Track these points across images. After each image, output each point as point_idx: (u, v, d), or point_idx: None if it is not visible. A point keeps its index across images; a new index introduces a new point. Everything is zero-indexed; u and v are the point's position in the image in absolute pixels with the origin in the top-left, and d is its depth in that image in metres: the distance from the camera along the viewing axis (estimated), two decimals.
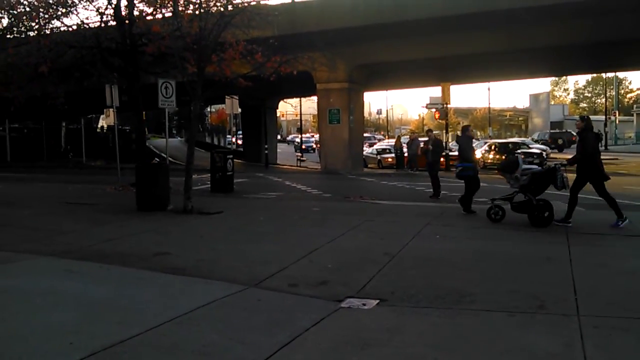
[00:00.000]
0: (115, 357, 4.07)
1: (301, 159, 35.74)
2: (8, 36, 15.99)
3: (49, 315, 4.93)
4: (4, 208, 12.42)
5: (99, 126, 49.94)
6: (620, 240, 8.68)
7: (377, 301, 5.52)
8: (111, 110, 20.69)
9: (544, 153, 30.41)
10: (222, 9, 12.26)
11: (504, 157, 27.34)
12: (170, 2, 14.48)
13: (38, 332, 4.53)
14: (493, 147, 31.12)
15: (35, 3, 15.45)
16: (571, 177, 9.83)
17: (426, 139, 17.98)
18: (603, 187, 9.61)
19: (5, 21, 16.28)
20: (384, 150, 33.26)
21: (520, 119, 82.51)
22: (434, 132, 21.60)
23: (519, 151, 29.11)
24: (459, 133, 14.76)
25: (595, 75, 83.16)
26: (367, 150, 34.74)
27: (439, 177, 15.15)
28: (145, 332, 4.51)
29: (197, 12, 12.48)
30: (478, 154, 26.60)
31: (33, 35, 15.84)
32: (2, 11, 15.86)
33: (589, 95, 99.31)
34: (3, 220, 10.51)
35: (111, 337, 4.36)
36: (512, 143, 33.52)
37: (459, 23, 22.31)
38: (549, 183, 9.83)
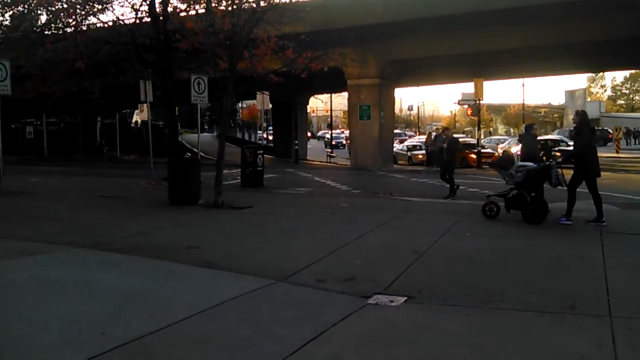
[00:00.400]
0: (146, 347, 4.15)
1: (331, 154, 35.73)
2: (46, 32, 16.35)
3: (82, 305, 5.05)
4: (40, 201, 12.76)
5: (133, 121, 50.77)
6: None
7: (405, 298, 5.49)
8: (145, 105, 21.04)
9: None
10: (254, 5, 12.33)
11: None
12: None
13: (71, 321, 4.64)
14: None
15: (72, 0, 15.77)
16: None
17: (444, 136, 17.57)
18: (594, 184, 9.57)
19: (43, 18, 16.67)
20: (414, 147, 33.03)
21: (555, 115, 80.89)
22: (466, 129, 21.34)
23: (556, 149, 28.47)
24: (522, 131, 14.61)
25: (633, 71, 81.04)
26: (397, 146, 34.51)
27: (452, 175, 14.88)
28: (176, 324, 4.59)
29: (229, 9, 12.58)
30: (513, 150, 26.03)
31: (70, 32, 16.16)
32: (41, 8, 16.23)
33: (627, 92, 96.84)
34: (39, 212, 10.81)
35: (142, 328, 4.45)
36: (551, 140, 32.60)
37: (492, 18, 21.99)
38: (544, 180, 9.91)
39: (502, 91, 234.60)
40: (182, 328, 4.54)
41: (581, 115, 9.97)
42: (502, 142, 37.43)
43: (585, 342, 4.39)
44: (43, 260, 6.80)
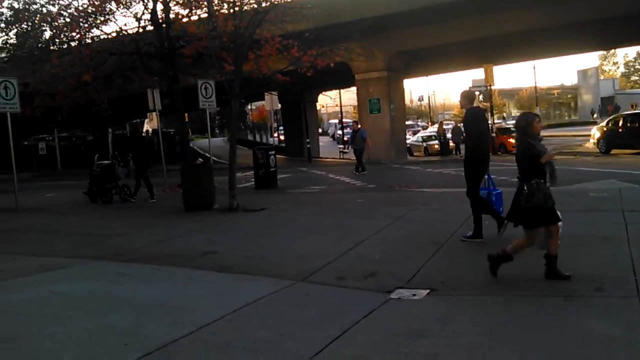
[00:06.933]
0: (169, 356, 4.12)
1: (343, 150, 35.57)
2: (51, 48, 16.40)
3: (103, 317, 5.03)
4: (57, 216, 12.83)
5: (144, 130, 51.00)
6: None
7: (428, 291, 5.41)
8: (154, 113, 21.09)
9: None
10: (255, 6, 12.28)
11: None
12: (205, 3, 14.59)
13: (93, 334, 4.62)
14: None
15: (75, 14, 15.81)
16: None
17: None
18: (144, 172, 14.29)
19: (47, 33, 16.72)
20: (429, 138, 32.77)
21: (568, 96, 79.92)
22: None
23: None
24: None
25: None
26: (411, 138, 34.21)
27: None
28: (197, 331, 4.55)
29: (231, 11, 12.54)
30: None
31: (75, 46, 16.20)
32: (44, 24, 16.28)
33: None
34: (57, 227, 10.85)
35: (164, 337, 4.42)
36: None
37: (498, 2, 21.72)
38: (112, 173, 14.34)
39: (513, 75, 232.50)
40: (205, 334, 4.51)
41: (133, 126, 15.00)
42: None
43: (615, 325, 4.29)
44: (62, 275, 6.81)
